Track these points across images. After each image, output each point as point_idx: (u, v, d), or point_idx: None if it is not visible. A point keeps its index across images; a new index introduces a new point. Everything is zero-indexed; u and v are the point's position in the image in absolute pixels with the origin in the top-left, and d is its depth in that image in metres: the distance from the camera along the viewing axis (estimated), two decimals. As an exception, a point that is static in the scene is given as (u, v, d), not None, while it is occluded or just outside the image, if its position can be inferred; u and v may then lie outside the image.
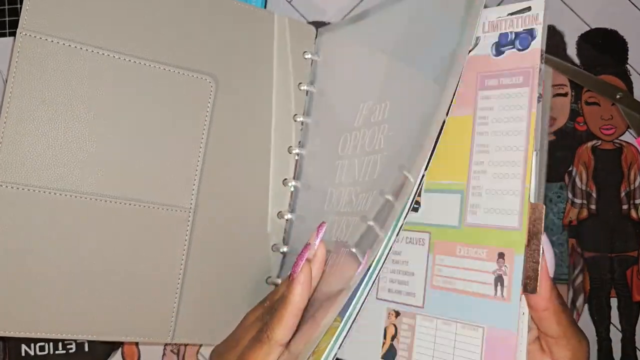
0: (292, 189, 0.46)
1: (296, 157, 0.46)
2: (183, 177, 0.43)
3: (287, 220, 0.46)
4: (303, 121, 0.46)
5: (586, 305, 0.50)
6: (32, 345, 0.48)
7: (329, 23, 0.53)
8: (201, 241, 0.43)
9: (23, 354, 0.47)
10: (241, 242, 0.45)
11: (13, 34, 0.51)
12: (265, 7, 0.52)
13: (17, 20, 0.50)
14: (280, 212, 0.46)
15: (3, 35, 0.51)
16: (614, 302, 0.51)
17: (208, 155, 0.44)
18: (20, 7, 0.50)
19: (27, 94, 0.39)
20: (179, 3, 0.43)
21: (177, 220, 0.43)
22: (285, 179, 0.46)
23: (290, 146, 0.46)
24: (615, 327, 0.51)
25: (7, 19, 0.51)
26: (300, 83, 0.46)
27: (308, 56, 0.47)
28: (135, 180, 0.42)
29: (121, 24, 0.41)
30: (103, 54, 0.41)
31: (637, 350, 0.51)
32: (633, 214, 0.52)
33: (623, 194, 0.52)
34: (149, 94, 0.42)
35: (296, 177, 0.46)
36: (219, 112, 0.44)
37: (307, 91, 0.47)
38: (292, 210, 0.46)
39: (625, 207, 0.52)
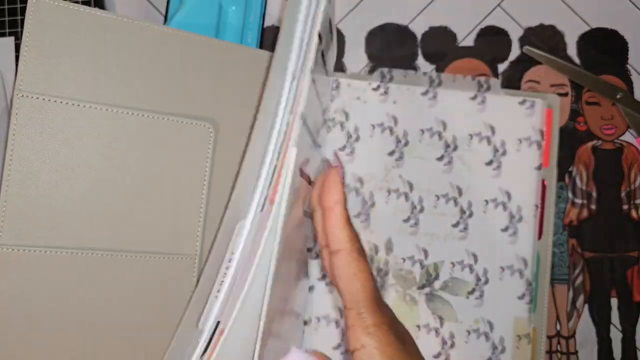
0: None
1: None
2: (187, 225, 0.43)
3: None
4: None
5: (586, 306, 0.50)
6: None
7: (329, 23, 0.53)
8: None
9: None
10: None
11: (12, 34, 0.51)
12: (264, 9, 0.52)
13: (16, 20, 0.50)
14: None
15: (3, 35, 0.51)
16: (614, 302, 0.51)
17: (211, 199, 0.44)
18: (21, 7, 0.50)
19: (28, 155, 0.39)
20: (173, 51, 0.43)
21: (184, 268, 0.43)
22: None
23: None
24: (616, 327, 0.51)
25: (6, 18, 0.51)
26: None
27: None
28: (140, 232, 0.42)
29: (116, 77, 0.41)
30: (101, 108, 0.41)
31: (638, 350, 0.51)
32: (633, 214, 0.52)
33: (623, 194, 0.52)
34: (149, 144, 0.42)
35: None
36: (219, 156, 0.44)
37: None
38: None
39: (625, 207, 0.52)
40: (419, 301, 0.47)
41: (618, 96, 0.52)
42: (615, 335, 0.51)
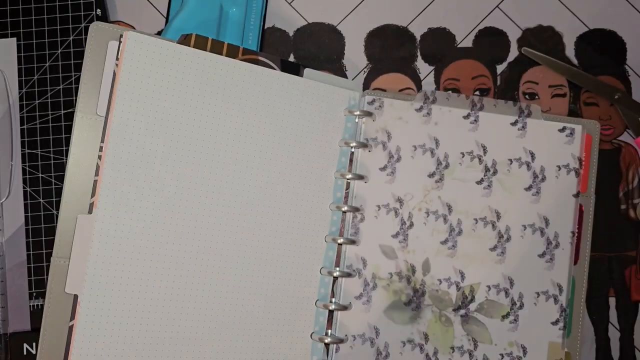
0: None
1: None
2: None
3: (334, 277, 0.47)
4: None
5: (585, 305, 0.50)
6: (34, 344, 0.48)
7: (329, 24, 0.53)
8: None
9: (25, 353, 0.48)
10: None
11: (14, 35, 0.51)
12: (265, 10, 0.52)
13: (19, 21, 0.51)
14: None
15: (5, 36, 0.51)
16: (612, 301, 0.51)
17: None
18: (23, 9, 0.51)
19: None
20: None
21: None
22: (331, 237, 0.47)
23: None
24: (614, 326, 0.51)
25: (8, 19, 0.51)
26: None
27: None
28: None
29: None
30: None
31: (636, 349, 0.51)
32: (631, 213, 0.52)
33: (621, 193, 0.52)
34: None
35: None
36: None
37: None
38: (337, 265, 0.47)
39: (623, 207, 0.52)
40: (454, 322, 0.47)
41: (616, 97, 0.52)
42: (614, 334, 0.51)
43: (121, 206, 0.41)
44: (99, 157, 0.41)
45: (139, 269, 0.42)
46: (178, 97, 0.43)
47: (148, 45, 0.42)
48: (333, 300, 0.46)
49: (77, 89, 0.49)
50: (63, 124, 0.50)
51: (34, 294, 0.49)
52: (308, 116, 0.47)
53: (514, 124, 0.49)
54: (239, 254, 0.44)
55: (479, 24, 0.54)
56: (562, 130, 0.49)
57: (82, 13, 0.51)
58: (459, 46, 0.54)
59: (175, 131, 0.43)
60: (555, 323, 0.47)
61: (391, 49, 0.53)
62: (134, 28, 0.53)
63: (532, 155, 0.48)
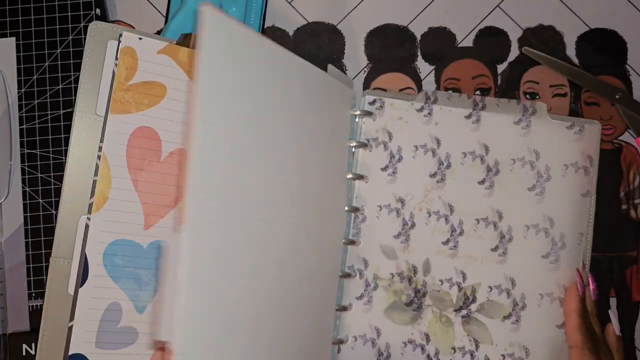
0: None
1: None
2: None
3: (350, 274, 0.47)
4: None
5: (585, 305, 0.50)
6: (33, 344, 0.48)
7: (329, 24, 0.53)
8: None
9: (24, 354, 0.48)
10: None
11: (14, 35, 0.51)
12: (264, 10, 0.52)
13: (18, 21, 0.51)
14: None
15: (4, 35, 0.51)
16: (613, 301, 0.51)
17: None
18: (22, 8, 0.51)
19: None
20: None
21: None
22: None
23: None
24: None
25: (7, 19, 0.51)
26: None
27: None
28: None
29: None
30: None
31: (636, 350, 0.51)
32: (632, 213, 0.52)
33: (622, 194, 0.52)
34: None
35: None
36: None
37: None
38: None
39: (624, 207, 0.52)
40: (455, 323, 0.47)
41: (617, 96, 0.52)
42: (614, 334, 0.51)
43: (207, 221, 0.34)
44: (98, 157, 0.41)
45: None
46: (252, 89, 0.37)
47: (231, 34, 0.35)
48: None
49: (76, 88, 0.48)
50: (62, 123, 0.50)
51: (33, 294, 0.49)
52: (335, 115, 0.46)
53: (517, 122, 0.49)
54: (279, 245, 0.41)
55: (479, 23, 0.54)
56: (571, 127, 0.48)
57: (82, 12, 0.51)
58: (459, 46, 0.53)
59: (253, 125, 0.38)
60: (560, 326, 0.47)
61: (391, 49, 0.53)
62: (134, 27, 0.52)
63: (537, 154, 0.48)
